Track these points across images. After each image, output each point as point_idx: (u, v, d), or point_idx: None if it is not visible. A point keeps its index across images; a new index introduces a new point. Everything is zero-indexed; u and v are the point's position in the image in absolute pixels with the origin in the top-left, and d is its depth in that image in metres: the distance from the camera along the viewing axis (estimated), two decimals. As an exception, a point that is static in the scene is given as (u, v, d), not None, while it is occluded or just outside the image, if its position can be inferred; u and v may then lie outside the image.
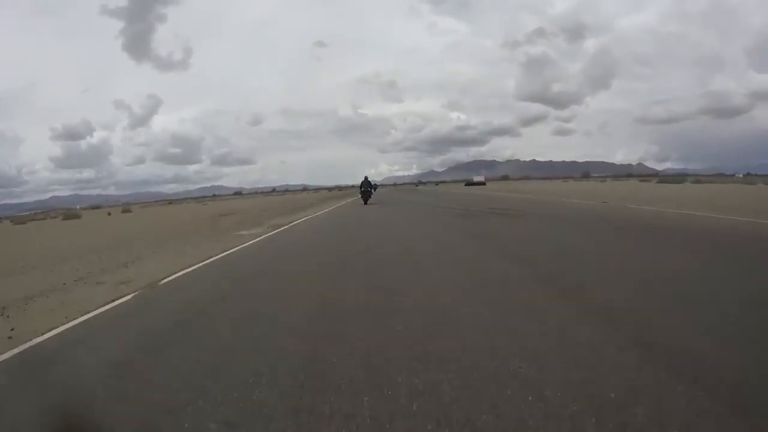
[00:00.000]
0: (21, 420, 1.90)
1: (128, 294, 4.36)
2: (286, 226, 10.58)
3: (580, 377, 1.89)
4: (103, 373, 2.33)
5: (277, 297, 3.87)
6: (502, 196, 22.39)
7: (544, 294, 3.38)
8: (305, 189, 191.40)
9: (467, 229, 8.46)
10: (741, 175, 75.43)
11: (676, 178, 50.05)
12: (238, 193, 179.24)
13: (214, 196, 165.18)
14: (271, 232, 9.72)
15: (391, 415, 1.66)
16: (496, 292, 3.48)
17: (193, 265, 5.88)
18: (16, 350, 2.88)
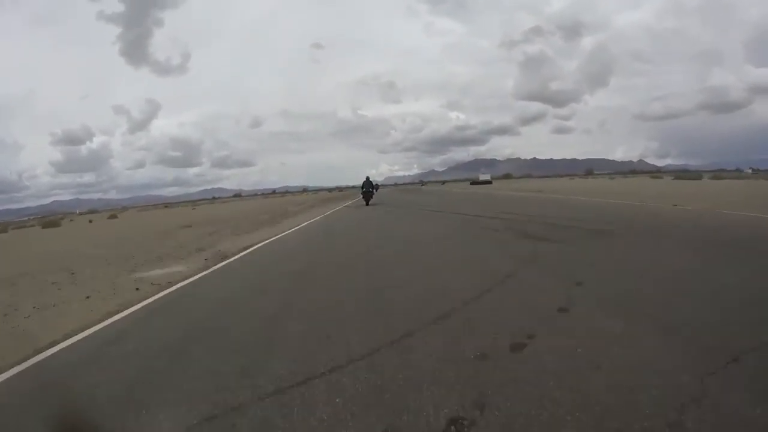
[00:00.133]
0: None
1: None
2: (245, 252, 6.82)
3: None
4: None
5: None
6: (531, 197, 18.00)
7: None
8: (305, 190, 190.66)
9: (578, 273, 4.12)
10: (750, 171, 74.05)
11: (693, 174, 47.43)
12: (238, 195, 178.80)
13: (214, 198, 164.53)
14: (207, 269, 6.13)
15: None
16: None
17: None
18: None
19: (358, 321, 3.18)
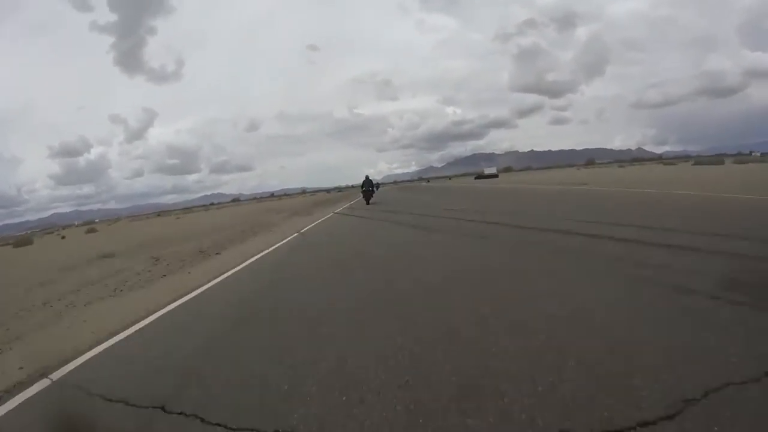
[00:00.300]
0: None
1: None
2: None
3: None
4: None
5: None
6: (594, 194, 12.73)
7: None
8: (304, 192, 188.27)
9: None
10: (759, 154, 72.44)
11: (712, 159, 44.13)
12: (236, 200, 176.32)
13: (211, 204, 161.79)
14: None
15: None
16: None
17: None
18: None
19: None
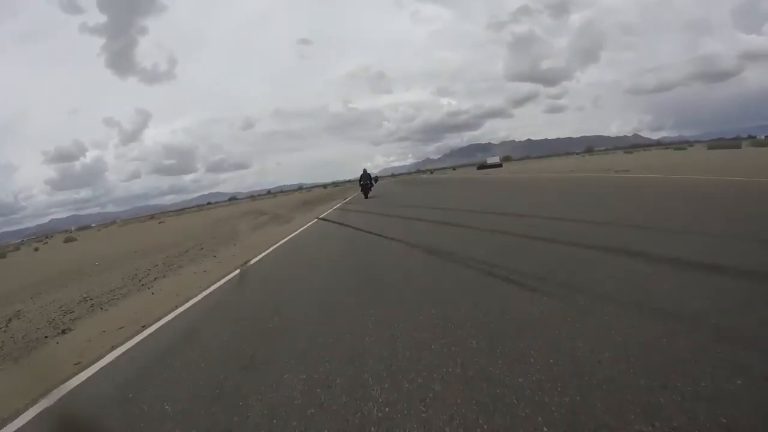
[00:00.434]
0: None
1: None
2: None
3: None
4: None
5: None
6: (643, 183, 9.51)
7: None
8: (300, 188, 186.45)
9: None
10: (765, 137, 71.43)
11: (728, 143, 41.97)
12: (234, 199, 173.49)
13: (208, 204, 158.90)
14: None
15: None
16: None
17: None
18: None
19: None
